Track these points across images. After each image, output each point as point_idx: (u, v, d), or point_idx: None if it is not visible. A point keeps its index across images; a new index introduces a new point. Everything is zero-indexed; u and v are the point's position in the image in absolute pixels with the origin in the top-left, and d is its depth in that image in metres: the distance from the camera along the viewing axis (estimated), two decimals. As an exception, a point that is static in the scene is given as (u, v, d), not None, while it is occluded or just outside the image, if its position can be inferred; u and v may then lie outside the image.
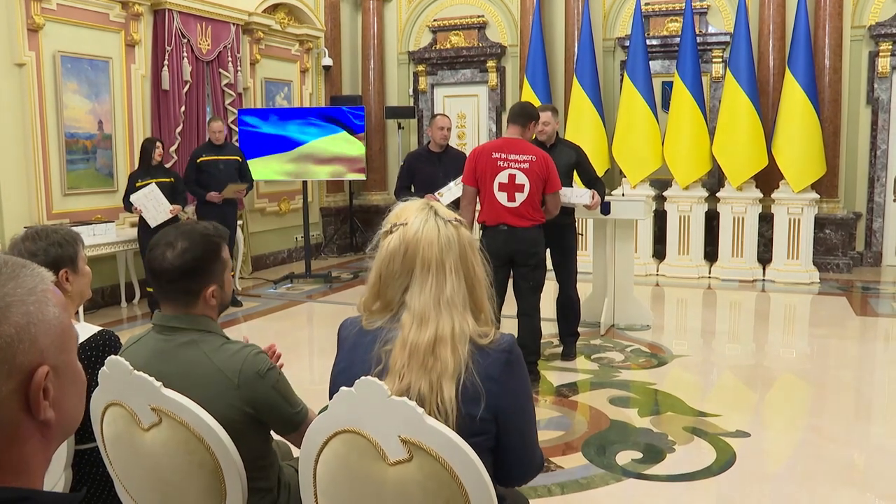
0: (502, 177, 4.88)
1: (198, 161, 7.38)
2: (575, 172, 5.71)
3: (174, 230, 2.05)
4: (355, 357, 1.77)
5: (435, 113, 6.40)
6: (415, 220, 1.72)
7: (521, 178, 4.86)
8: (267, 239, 9.96)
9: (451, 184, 6.02)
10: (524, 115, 5.03)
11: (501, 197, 4.89)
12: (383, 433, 1.59)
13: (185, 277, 1.99)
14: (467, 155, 6.02)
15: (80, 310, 6.58)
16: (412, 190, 6.10)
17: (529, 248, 4.95)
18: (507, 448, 1.73)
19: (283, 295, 8.30)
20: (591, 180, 5.67)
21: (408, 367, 1.65)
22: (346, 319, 1.87)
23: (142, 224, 6.93)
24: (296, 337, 6.88)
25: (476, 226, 5.11)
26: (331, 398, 1.72)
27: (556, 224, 5.26)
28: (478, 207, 5.10)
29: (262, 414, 1.98)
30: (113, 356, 1.96)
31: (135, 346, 2.09)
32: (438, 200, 5.70)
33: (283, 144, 8.72)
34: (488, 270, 1.78)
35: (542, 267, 5.09)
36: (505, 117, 10.32)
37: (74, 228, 6.64)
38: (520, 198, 4.87)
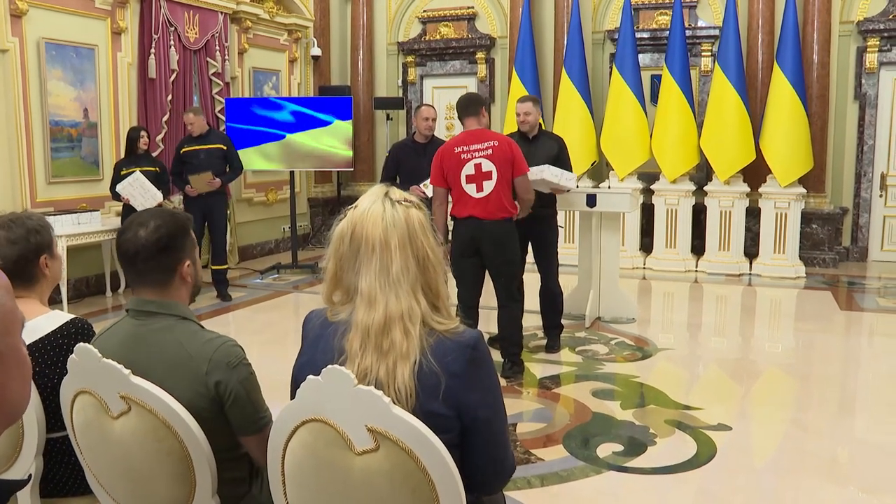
0: (468, 168, 4.83)
1: (181, 152, 7.32)
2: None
3: (142, 214, 2.05)
4: (317, 349, 1.75)
5: (421, 103, 6.30)
6: (364, 202, 1.71)
7: (488, 165, 4.82)
8: (254, 229, 9.92)
9: None
10: (473, 103, 5.02)
11: (470, 189, 4.84)
12: (350, 422, 1.57)
13: (161, 253, 1.98)
14: None
15: (64, 298, 6.57)
16: (397, 181, 6.06)
17: (497, 243, 4.88)
18: (475, 448, 1.69)
19: (270, 285, 8.27)
20: None
21: (363, 350, 1.63)
22: (311, 312, 1.85)
23: (127, 213, 6.89)
24: (282, 327, 6.85)
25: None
26: (293, 392, 1.70)
27: (536, 216, 5.25)
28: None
29: (225, 405, 1.95)
30: (82, 343, 1.94)
31: (108, 332, 2.07)
32: (424, 193, 5.69)
33: (270, 134, 8.67)
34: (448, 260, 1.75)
35: (516, 261, 5.07)
36: (495, 108, 10.39)
37: (60, 217, 6.62)
38: (488, 186, 4.82)
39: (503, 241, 4.90)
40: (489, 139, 4.88)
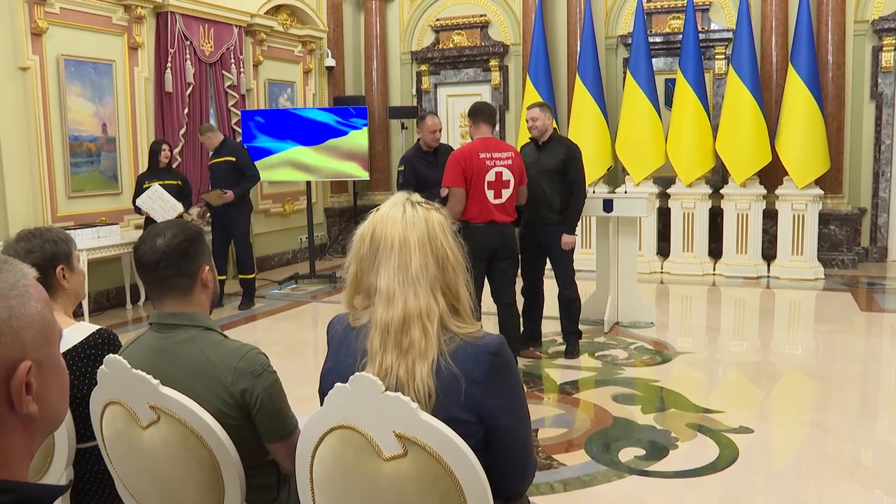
0: (490, 175, 5.11)
1: (209, 165, 7.51)
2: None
3: (155, 226, 2.09)
4: (341, 355, 1.77)
5: (424, 112, 6.31)
6: (385, 205, 1.74)
7: (507, 175, 5.14)
8: (271, 240, 9.97)
9: None
10: (492, 114, 5.31)
11: (490, 194, 5.12)
12: (378, 428, 1.59)
13: (182, 257, 2.01)
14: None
15: (85, 311, 6.63)
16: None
17: (511, 242, 5.27)
18: (497, 453, 1.69)
19: (288, 295, 8.31)
20: (570, 182, 5.52)
21: (384, 349, 1.64)
22: (334, 318, 1.87)
23: (148, 226, 6.96)
24: (300, 337, 6.89)
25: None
26: (321, 398, 1.72)
27: (552, 224, 5.44)
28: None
29: (251, 413, 1.97)
30: (111, 355, 1.96)
31: (132, 346, 2.09)
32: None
33: (287, 145, 8.72)
34: (467, 262, 1.75)
35: (518, 261, 5.46)
36: (510, 116, 10.40)
37: (80, 231, 6.71)
38: (506, 194, 5.16)
39: (514, 241, 5.34)
40: (507, 150, 5.24)
